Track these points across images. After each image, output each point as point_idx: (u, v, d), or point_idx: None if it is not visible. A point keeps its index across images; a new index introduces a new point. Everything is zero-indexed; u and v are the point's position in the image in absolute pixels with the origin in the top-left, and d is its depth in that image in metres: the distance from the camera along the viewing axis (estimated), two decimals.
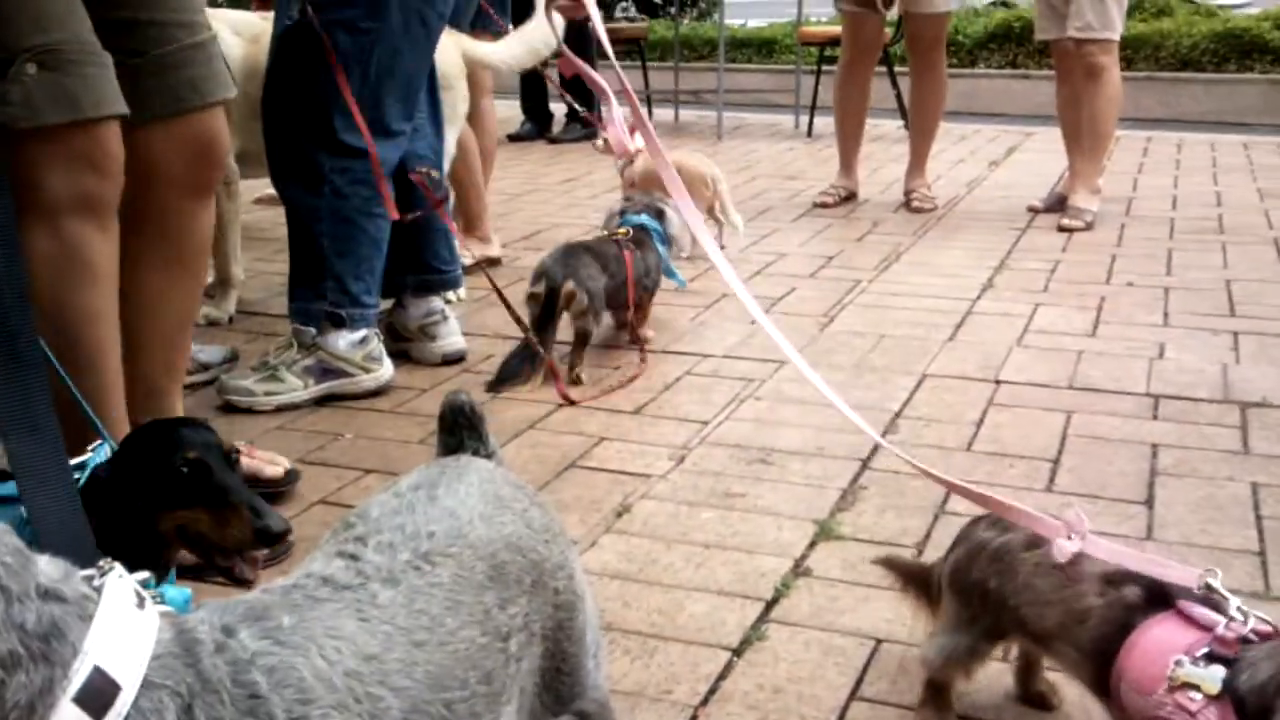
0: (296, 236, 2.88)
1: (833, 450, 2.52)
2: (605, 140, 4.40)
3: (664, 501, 2.29)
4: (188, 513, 1.51)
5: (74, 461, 1.57)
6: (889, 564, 1.79)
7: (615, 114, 2.45)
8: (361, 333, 2.87)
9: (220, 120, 2.14)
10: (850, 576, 2.00)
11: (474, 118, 4.02)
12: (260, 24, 3.35)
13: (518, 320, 2.97)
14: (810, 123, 7.54)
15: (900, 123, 6.72)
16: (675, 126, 7.83)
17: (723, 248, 4.26)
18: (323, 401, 2.84)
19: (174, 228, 2.14)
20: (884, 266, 4.12)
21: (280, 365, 2.83)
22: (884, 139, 7.14)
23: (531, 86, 7.37)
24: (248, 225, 3.70)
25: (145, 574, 0.82)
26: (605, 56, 2.39)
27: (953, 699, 1.60)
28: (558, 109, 7.48)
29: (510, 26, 4.28)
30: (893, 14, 5.21)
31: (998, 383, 2.94)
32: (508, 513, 1.01)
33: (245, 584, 1.51)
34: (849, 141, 5.34)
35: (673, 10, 10.66)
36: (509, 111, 6.85)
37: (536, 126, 7.51)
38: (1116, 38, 4.65)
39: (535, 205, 5.34)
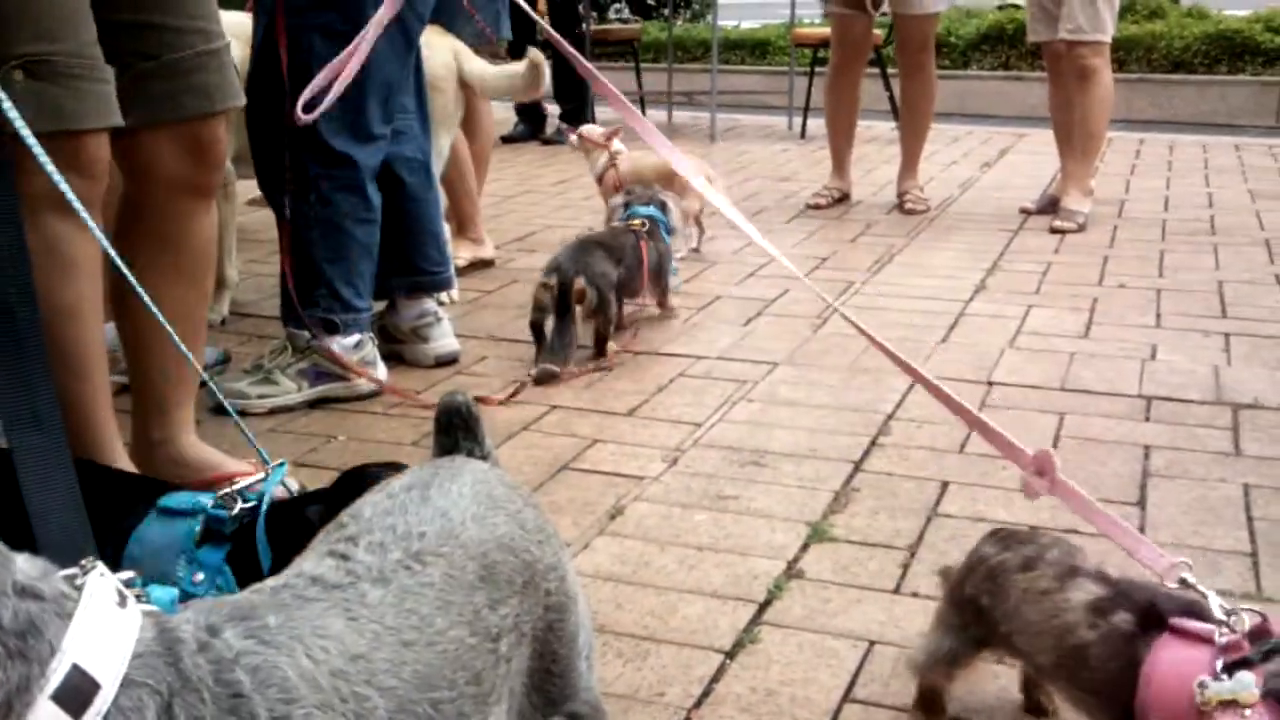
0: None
1: (825, 452, 2.53)
2: (579, 137, 4.43)
3: (657, 504, 2.30)
4: None
5: (240, 485, 1.57)
6: (946, 574, 1.71)
7: (632, 113, 2.35)
8: (355, 337, 2.87)
9: (223, 125, 2.15)
10: (843, 578, 2.00)
11: (470, 120, 4.02)
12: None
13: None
14: (804, 124, 7.55)
15: (893, 124, 6.72)
16: (669, 128, 7.83)
17: (696, 250, 4.28)
18: (315, 404, 2.84)
19: (174, 231, 2.13)
20: (877, 268, 4.13)
21: (274, 369, 2.83)
22: (877, 140, 7.15)
23: None
24: (242, 227, 3.69)
25: (130, 573, 0.82)
26: (597, 59, 2.38)
27: (945, 702, 1.60)
28: (551, 110, 7.49)
29: (503, 43, 4.29)
30: (883, 14, 5.22)
31: (990, 384, 2.95)
32: (500, 513, 1.01)
33: None
34: (841, 143, 5.35)
35: (666, 12, 10.66)
36: (502, 113, 6.85)
37: (530, 128, 7.51)
38: (1108, 40, 4.66)
39: (528, 207, 5.34)
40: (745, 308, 3.63)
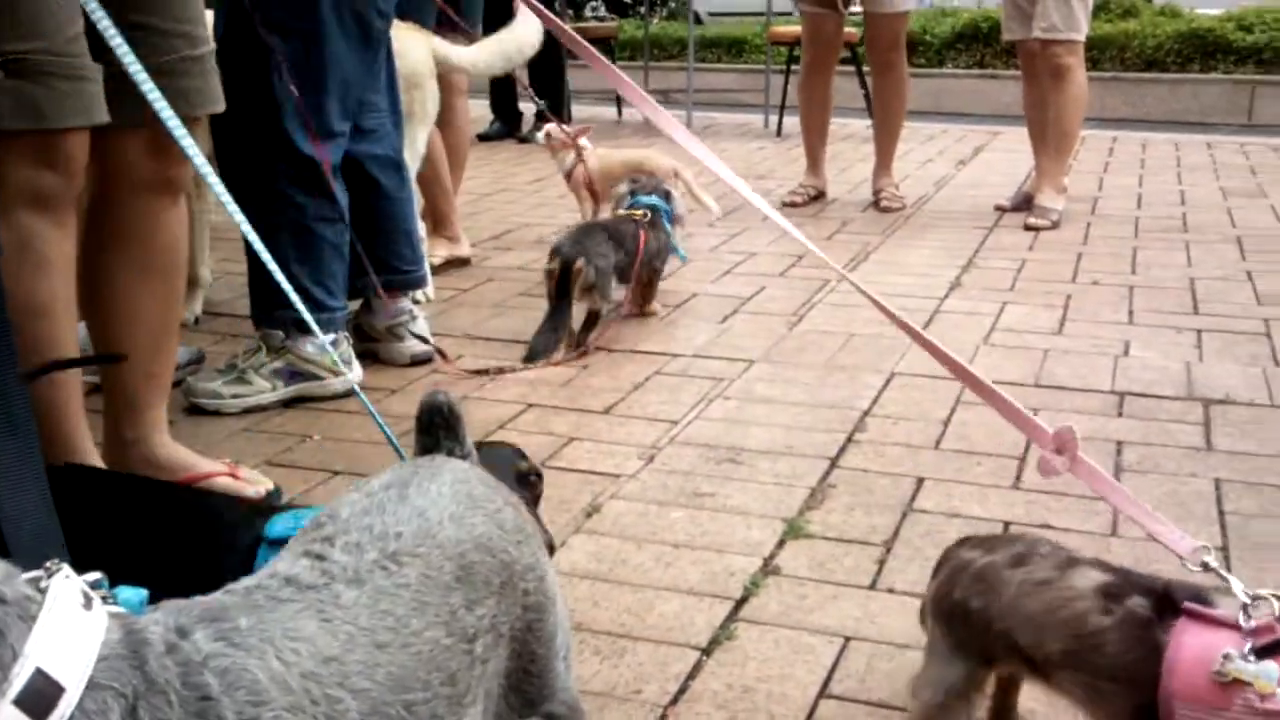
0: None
1: (801, 449, 2.53)
2: (549, 134, 4.45)
3: (633, 501, 2.30)
4: None
5: None
6: (923, 613, 1.61)
7: (641, 100, 2.29)
8: (330, 336, 2.85)
9: (199, 129, 2.14)
10: (819, 575, 2.00)
11: (447, 117, 4.01)
12: None
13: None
14: (780, 122, 7.56)
15: (868, 122, 6.74)
16: (645, 126, 7.83)
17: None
18: (290, 403, 2.82)
19: (142, 229, 2.12)
20: (853, 265, 4.14)
21: (248, 368, 2.81)
22: (852, 138, 7.17)
23: (500, 86, 7.36)
24: (215, 226, 3.67)
25: (97, 574, 0.81)
26: (575, 56, 2.37)
27: None
28: (527, 108, 7.47)
29: (480, 31, 4.27)
30: (855, 13, 5.23)
31: None
32: (479, 513, 1.01)
33: None
34: (815, 141, 5.37)
35: (643, 10, 10.66)
36: (478, 111, 6.83)
37: (506, 126, 7.50)
38: (1081, 38, 4.69)
39: (504, 205, 5.33)
40: (722, 305, 3.63)
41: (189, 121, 2.08)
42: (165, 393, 2.23)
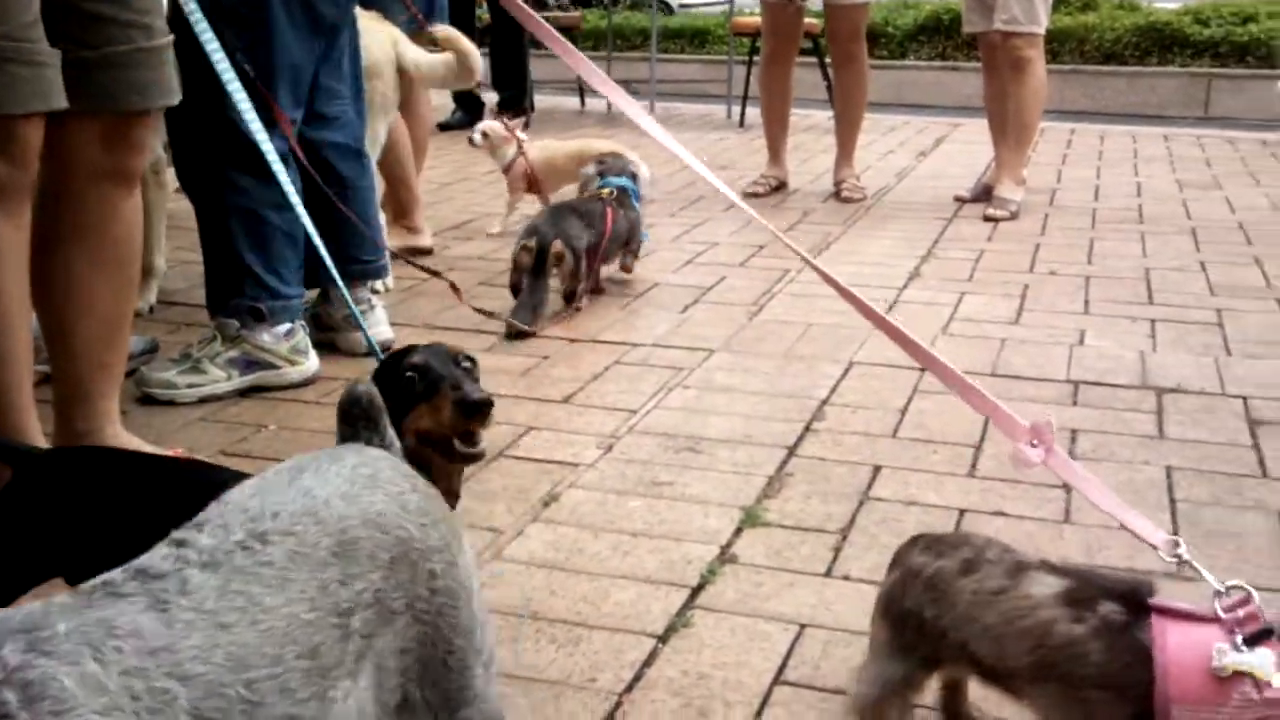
0: (208, 234, 2.85)
1: (759, 438, 2.54)
2: (484, 134, 4.48)
3: (592, 490, 2.29)
4: (415, 417, 1.48)
5: None
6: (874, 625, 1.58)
7: (614, 92, 2.27)
8: (286, 325, 2.83)
9: (154, 120, 2.12)
10: (775, 563, 2.01)
11: (408, 107, 3.98)
12: None
13: (455, 288, 2.96)
14: (743, 113, 7.57)
15: (830, 113, 6.76)
16: (608, 116, 7.82)
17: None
18: (246, 393, 2.80)
19: (95, 219, 2.09)
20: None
21: (203, 358, 2.78)
22: (814, 129, 7.19)
23: None
24: (172, 214, 3.63)
25: None
26: (539, 45, 2.36)
27: None
28: (490, 98, 7.44)
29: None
30: (815, 5, 5.24)
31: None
32: (378, 492, 1.01)
33: (474, 458, 1.52)
34: (776, 131, 5.38)
35: (605, 1, 10.63)
36: (439, 100, 6.79)
37: (468, 115, 7.45)
38: (1041, 31, 4.73)
39: (466, 195, 5.31)
40: (682, 295, 3.63)
41: (146, 114, 2.07)
42: (118, 383, 2.21)
